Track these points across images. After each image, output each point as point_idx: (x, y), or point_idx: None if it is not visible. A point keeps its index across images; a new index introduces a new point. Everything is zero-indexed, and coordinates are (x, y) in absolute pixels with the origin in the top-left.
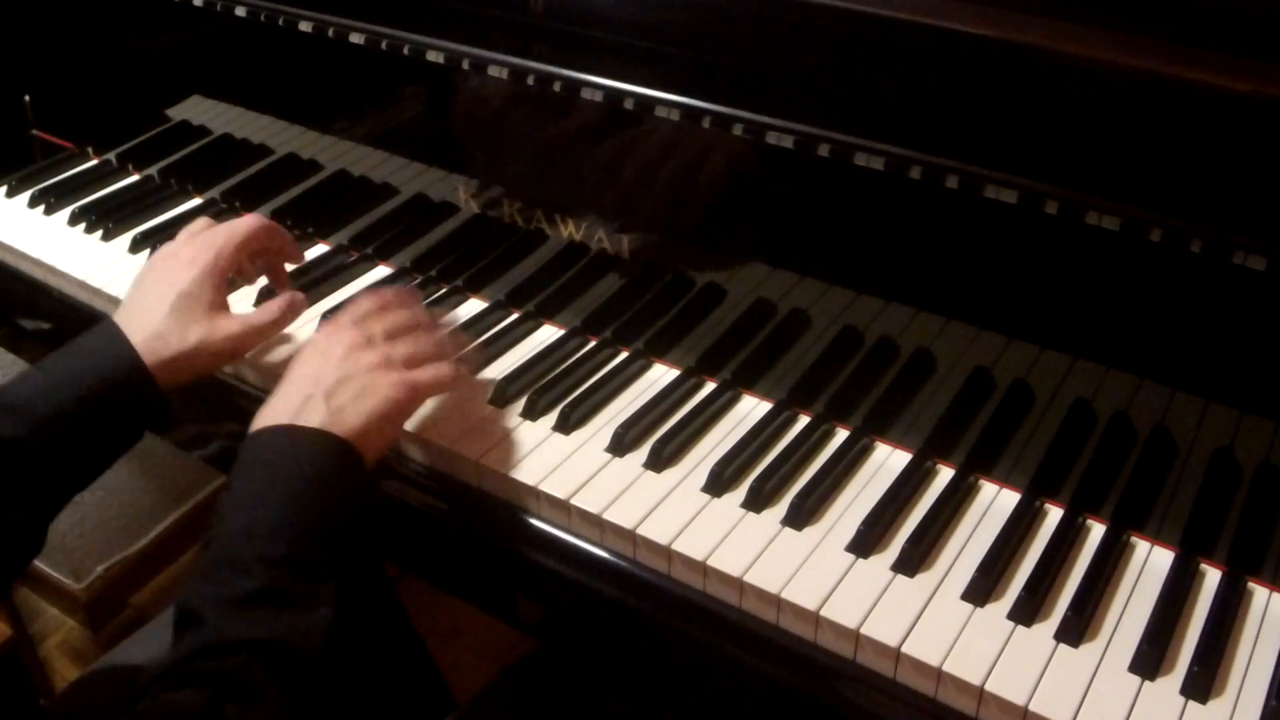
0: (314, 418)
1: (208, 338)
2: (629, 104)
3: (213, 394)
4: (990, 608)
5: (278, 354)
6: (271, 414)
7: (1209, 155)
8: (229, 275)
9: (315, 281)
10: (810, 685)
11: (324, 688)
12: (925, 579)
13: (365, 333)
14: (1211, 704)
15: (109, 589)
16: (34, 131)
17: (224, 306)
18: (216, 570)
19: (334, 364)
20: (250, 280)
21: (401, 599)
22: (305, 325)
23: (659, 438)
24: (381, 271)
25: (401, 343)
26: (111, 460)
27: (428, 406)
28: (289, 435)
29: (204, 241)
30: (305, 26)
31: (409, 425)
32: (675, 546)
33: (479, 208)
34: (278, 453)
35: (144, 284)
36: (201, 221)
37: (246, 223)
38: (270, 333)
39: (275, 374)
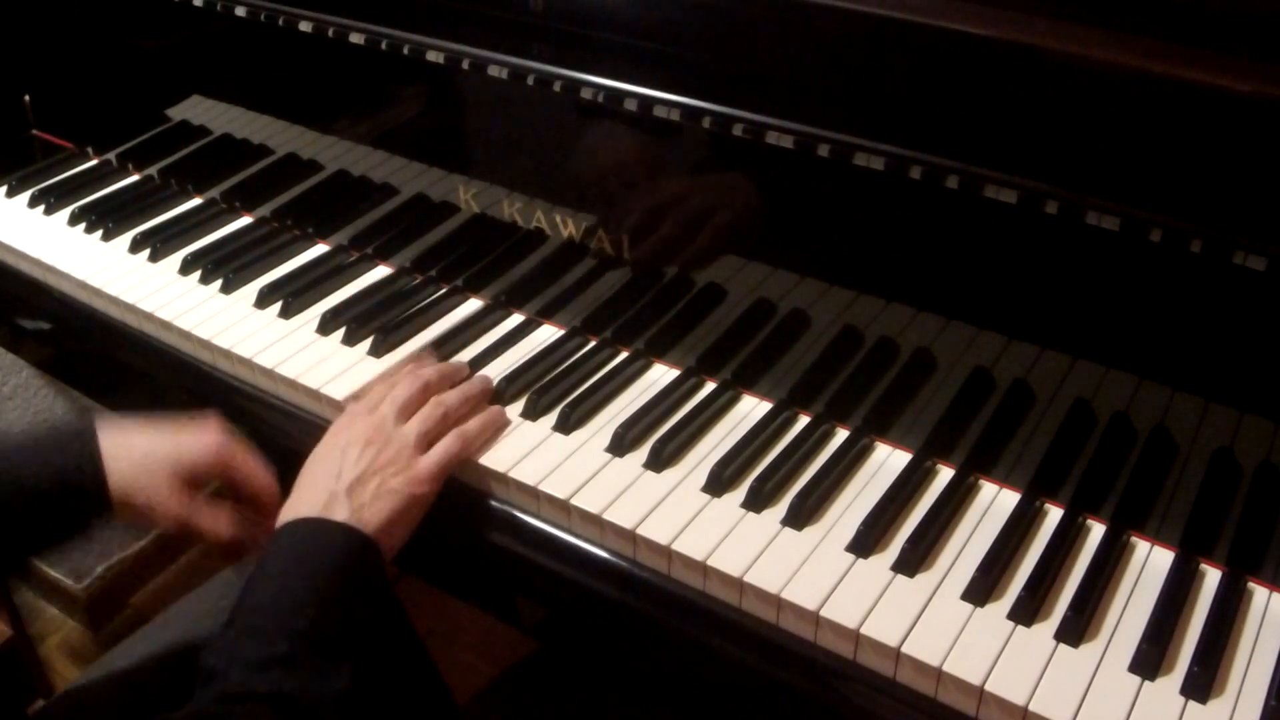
0: (338, 514)
1: (160, 506)
2: (629, 104)
3: (213, 394)
4: (990, 608)
5: (278, 355)
6: (298, 508)
7: (1209, 155)
8: (210, 478)
9: (315, 281)
10: (810, 685)
11: None
12: (925, 579)
13: (376, 419)
14: (1211, 704)
15: (109, 589)
16: (34, 131)
17: (189, 492)
18: (239, 638)
19: (351, 462)
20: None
21: (401, 599)
22: (308, 324)
23: (659, 438)
24: (381, 271)
25: (413, 422)
26: (41, 549)
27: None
28: (315, 527)
29: (218, 441)
30: (305, 26)
31: None
32: (675, 546)
33: (479, 208)
34: (303, 542)
35: (142, 431)
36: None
37: (258, 478)
38: (207, 539)
39: (274, 376)
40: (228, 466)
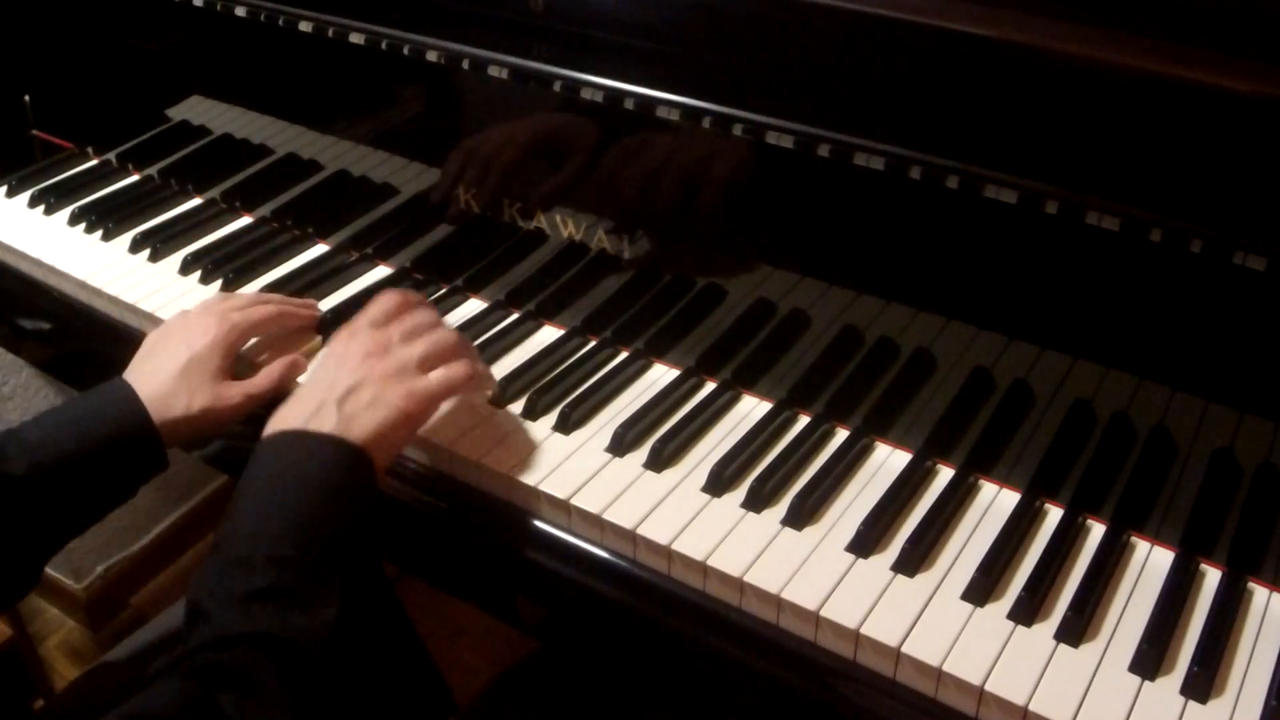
0: (326, 424)
1: (212, 405)
2: (629, 104)
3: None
4: (990, 608)
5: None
6: (285, 419)
7: (1209, 155)
8: (237, 349)
9: (315, 281)
10: (810, 685)
11: (328, 685)
12: (925, 579)
13: (381, 337)
14: (1211, 704)
15: (109, 589)
16: (34, 131)
17: (229, 375)
18: (224, 569)
19: (348, 371)
20: (254, 359)
21: (401, 599)
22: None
23: (659, 438)
24: (382, 271)
25: (417, 344)
26: (109, 509)
27: None
28: (300, 440)
29: (219, 314)
30: (305, 26)
31: None
32: (675, 546)
33: (479, 208)
34: (288, 457)
35: (157, 346)
36: (218, 296)
37: (263, 310)
38: (268, 397)
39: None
40: (237, 331)
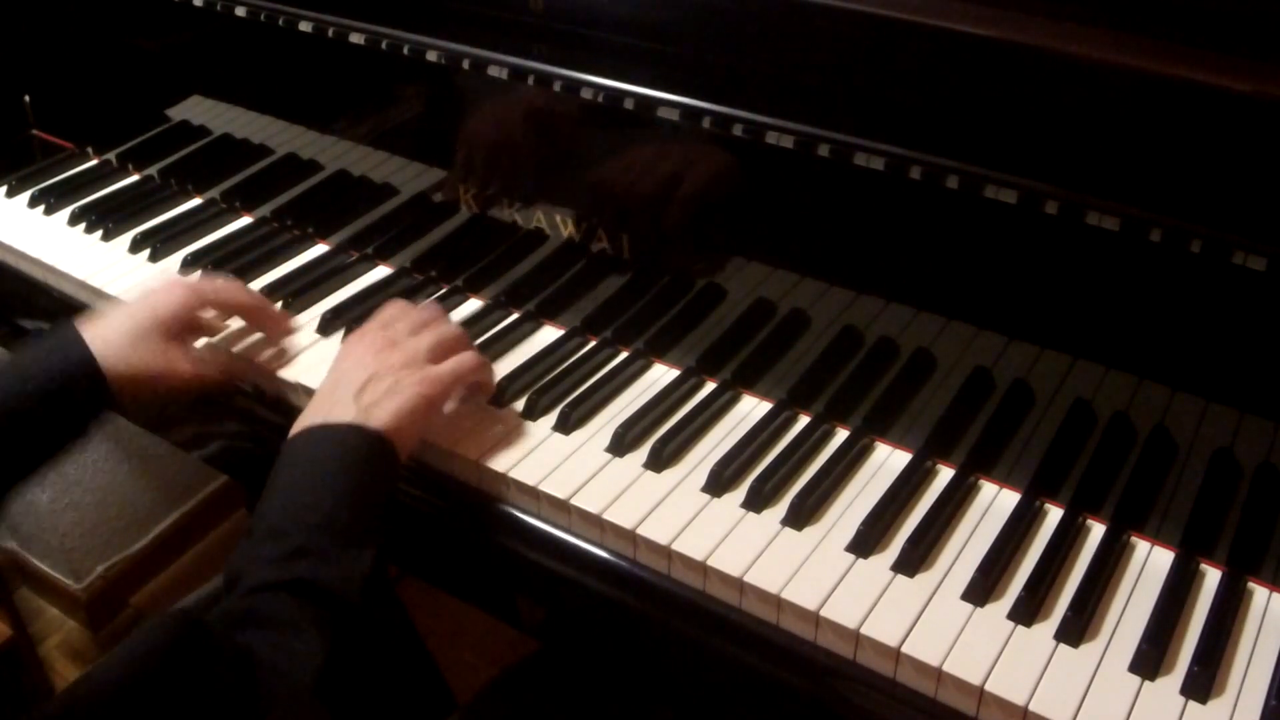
0: (345, 416)
1: (155, 362)
2: (629, 104)
3: (213, 394)
4: (990, 608)
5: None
6: (305, 419)
7: (1209, 155)
8: (198, 321)
9: (315, 281)
10: (810, 685)
11: (355, 643)
12: (925, 579)
13: (389, 333)
14: (1211, 704)
15: (109, 589)
16: (34, 131)
17: (181, 344)
18: (258, 542)
19: (363, 366)
20: (211, 333)
21: (401, 599)
22: (308, 324)
23: (659, 438)
24: (382, 271)
25: (425, 336)
26: (56, 450)
27: None
28: (323, 432)
29: (191, 283)
30: (305, 26)
31: None
32: (675, 546)
33: (479, 208)
34: (313, 450)
35: (115, 308)
36: (188, 278)
37: (237, 293)
38: (216, 379)
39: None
40: (205, 302)
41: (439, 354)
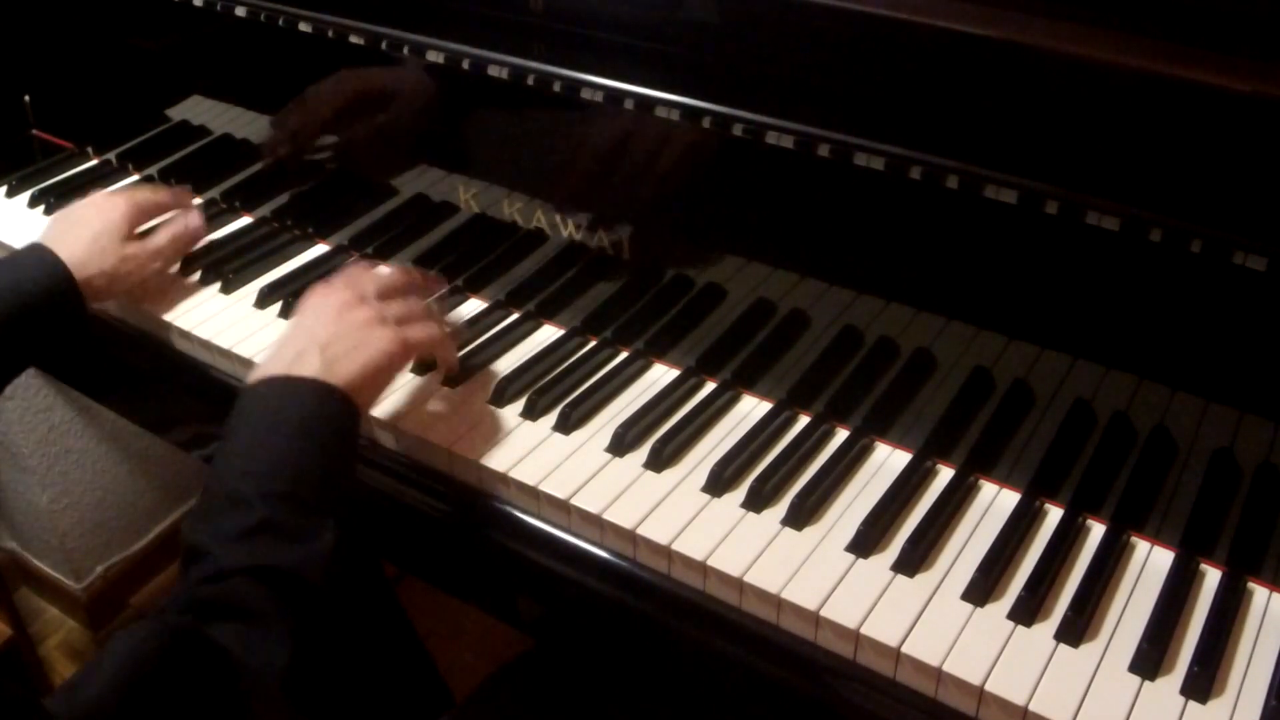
0: (309, 368)
1: (122, 260)
2: (629, 104)
3: (213, 394)
4: (990, 608)
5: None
6: (267, 368)
7: (1209, 155)
8: (141, 223)
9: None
10: (810, 685)
11: (328, 619)
12: (925, 579)
13: (358, 291)
14: (1211, 704)
15: (109, 589)
16: (34, 131)
17: (133, 239)
18: (218, 508)
19: (328, 319)
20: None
21: (401, 599)
22: None
23: (659, 438)
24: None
25: (394, 303)
26: (32, 361)
27: (427, 405)
28: (285, 385)
29: (126, 194)
30: (305, 26)
31: (408, 425)
32: (675, 546)
33: (479, 208)
34: (274, 400)
35: (70, 218)
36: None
37: (162, 196)
38: (169, 250)
39: None
40: (142, 210)
41: (406, 322)
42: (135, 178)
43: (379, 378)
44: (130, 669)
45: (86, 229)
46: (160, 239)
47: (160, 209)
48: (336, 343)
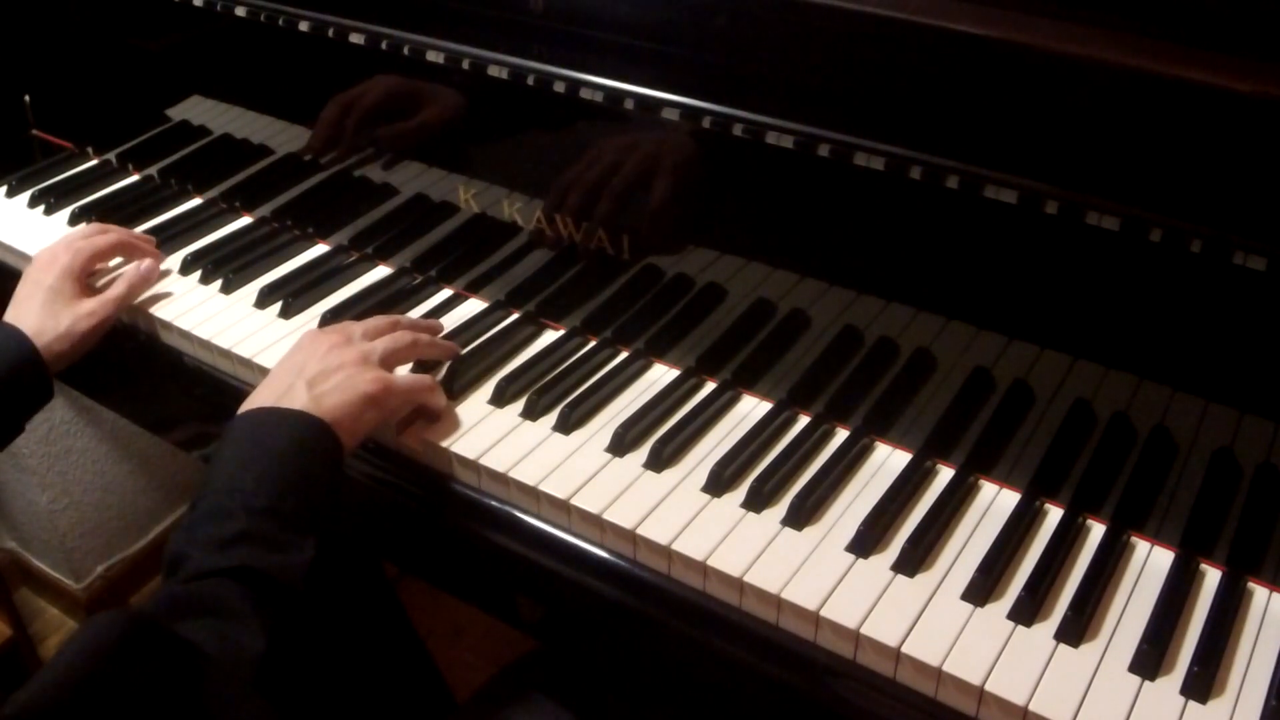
0: (296, 402)
1: (76, 320)
2: (629, 104)
3: (213, 394)
4: (990, 608)
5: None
6: (256, 399)
7: (1209, 155)
8: (88, 270)
9: (315, 281)
10: (810, 685)
11: (302, 628)
12: (925, 579)
13: (345, 332)
14: (1211, 704)
15: (109, 589)
16: (34, 131)
17: (85, 293)
18: (201, 522)
19: (317, 358)
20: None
21: (401, 599)
22: (308, 325)
23: (659, 438)
24: (382, 271)
25: (382, 341)
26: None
27: None
28: (272, 414)
29: (65, 244)
30: (305, 26)
31: (409, 424)
32: (675, 546)
33: (479, 208)
34: (260, 427)
35: (21, 290)
36: (67, 237)
37: (105, 238)
38: (128, 298)
39: None
40: (85, 257)
41: (394, 361)
42: (135, 178)
43: (364, 415)
44: (86, 659)
45: (37, 296)
46: (118, 289)
47: (110, 252)
48: (323, 380)
